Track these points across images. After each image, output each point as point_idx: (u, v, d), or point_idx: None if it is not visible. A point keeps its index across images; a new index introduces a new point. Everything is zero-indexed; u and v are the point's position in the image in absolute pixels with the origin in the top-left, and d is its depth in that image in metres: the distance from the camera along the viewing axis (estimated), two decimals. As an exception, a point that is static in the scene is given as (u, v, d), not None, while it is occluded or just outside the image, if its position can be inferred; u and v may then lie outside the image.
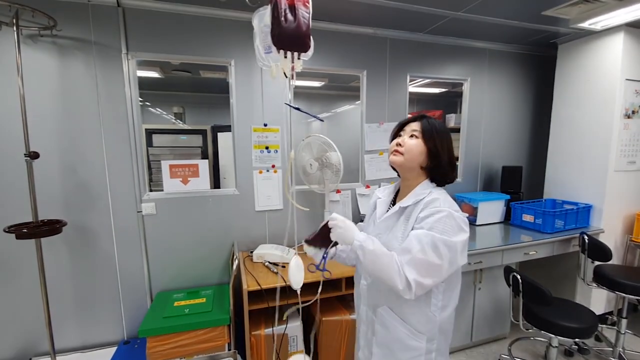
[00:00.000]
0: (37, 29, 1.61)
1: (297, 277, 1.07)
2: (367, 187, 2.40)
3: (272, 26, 0.82)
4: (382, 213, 1.09)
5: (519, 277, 1.74)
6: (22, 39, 1.57)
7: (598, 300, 2.42)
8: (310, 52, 0.89)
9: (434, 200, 0.95)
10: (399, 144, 1.02)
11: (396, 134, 1.07)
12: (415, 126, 1.02)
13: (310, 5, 0.85)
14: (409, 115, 1.10)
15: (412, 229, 0.95)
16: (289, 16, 0.82)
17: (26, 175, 1.51)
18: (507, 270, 1.85)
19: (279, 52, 0.85)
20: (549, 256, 2.21)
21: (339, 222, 0.96)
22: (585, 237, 2.12)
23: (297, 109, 0.94)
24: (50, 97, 1.71)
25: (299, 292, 1.08)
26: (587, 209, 2.38)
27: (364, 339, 1.15)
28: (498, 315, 2.20)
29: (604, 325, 2.45)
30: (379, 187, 1.20)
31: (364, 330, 1.14)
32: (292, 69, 0.89)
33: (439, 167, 1.01)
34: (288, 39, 0.83)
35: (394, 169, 1.07)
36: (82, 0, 1.69)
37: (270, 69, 0.92)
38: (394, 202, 1.10)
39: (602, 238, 2.32)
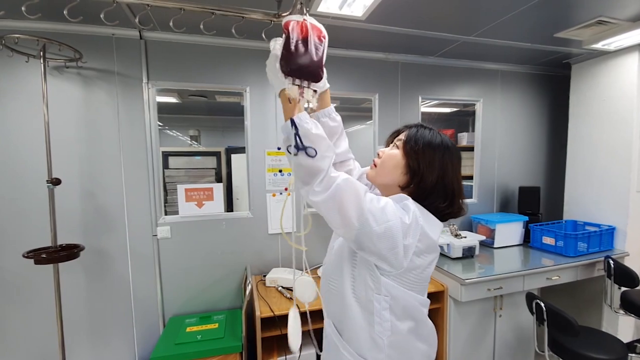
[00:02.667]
0: (63, 61, 1.69)
1: (296, 334, 0.93)
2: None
3: (282, 54, 0.80)
4: None
5: (542, 305, 1.66)
6: (48, 70, 1.64)
7: (626, 327, 2.29)
8: (322, 83, 0.86)
9: (400, 197, 0.80)
10: (378, 154, 0.88)
11: (387, 144, 0.93)
12: (402, 135, 0.86)
13: (326, 40, 0.85)
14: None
15: None
16: (300, 47, 0.80)
17: (45, 201, 1.55)
18: (530, 297, 1.78)
19: (288, 79, 0.82)
20: (572, 281, 2.13)
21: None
22: (611, 262, 2.03)
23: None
24: (73, 125, 1.77)
25: (298, 355, 0.97)
26: (611, 231, 2.30)
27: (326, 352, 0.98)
28: (521, 345, 2.10)
29: (633, 355, 2.31)
30: None
31: (326, 344, 0.98)
32: (301, 94, 0.84)
33: (424, 191, 0.81)
34: (298, 67, 0.80)
35: None
36: (106, 33, 1.77)
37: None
38: None
39: (627, 261, 2.23)
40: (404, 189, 0.84)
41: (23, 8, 0.94)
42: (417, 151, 0.81)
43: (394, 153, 0.85)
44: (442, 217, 0.85)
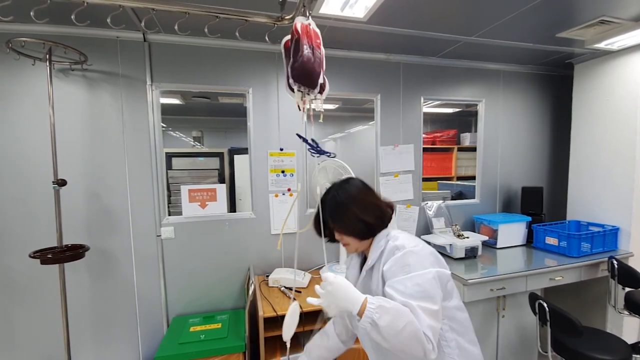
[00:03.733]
0: (68, 64, 1.71)
1: (290, 329, 1.03)
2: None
3: (292, 60, 0.84)
4: (356, 278, 1.08)
5: (545, 305, 1.66)
6: (54, 73, 1.66)
7: (630, 328, 2.28)
8: (326, 92, 0.91)
9: (392, 248, 0.93)
10: (342, 240, 1.05)
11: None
12: (330, 222, 1.02)
13: (321, 47, 0.88)
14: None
15: (384, 284, 0.91)
16: (308, 52, 0.84)
17: (51, 201, 1.57)
18: (533, 297, 1.77)
19: (295, 86, 0.86)
20: (576, 282, 2.12)
21: (330, 280, 0.84)
22: (615, 262, 2.02)
23: (306, 142, 0.96)
24: (78, 127, 1.80)
25: (288, 344, 1.05)
26: (615, 231, 2.28)
27: None
28: (524, 346, 2.09)
29: (637, 356, 2.30)
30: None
31: None
32: (304, 102, 0.90)
33: (367, 232, 1.00)
34: (303, 73, 0.85)
35: None
36: (111, 36, 1.80)
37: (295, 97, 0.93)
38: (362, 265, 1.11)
39: (632, 262, 2.21)
40: (368, 235, 1.01)
41: (32, 13, 0.96)
42: (342, 225, 0.99)
43: (343, 235, 1.02)
44: (385, 226, 1.01)
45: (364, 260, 1.09)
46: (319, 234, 1.01)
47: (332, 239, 1.07)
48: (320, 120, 0.90)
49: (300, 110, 0.89)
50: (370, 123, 2.40)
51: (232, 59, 2.02)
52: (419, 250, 0.90)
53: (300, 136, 0.97)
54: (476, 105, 2.65)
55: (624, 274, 2.01)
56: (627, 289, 2.07)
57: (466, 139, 2.92)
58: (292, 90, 0.87)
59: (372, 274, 0.99)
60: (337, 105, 2.53)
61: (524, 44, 2.19)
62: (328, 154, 0.99)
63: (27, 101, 1.71)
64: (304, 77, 0.83)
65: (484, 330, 1.99)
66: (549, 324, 1.67)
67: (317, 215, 1.02)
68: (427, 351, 0.77)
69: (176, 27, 1.09)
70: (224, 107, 2.55)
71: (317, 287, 0.86)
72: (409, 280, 0.85)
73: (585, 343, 1.67)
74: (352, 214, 0.97)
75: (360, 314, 0.78)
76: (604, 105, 2.38)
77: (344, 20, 1.73)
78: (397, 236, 0.96)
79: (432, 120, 2.92)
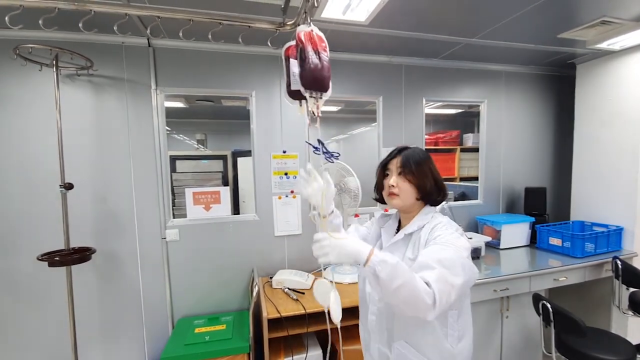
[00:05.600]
0: (74, 69, 1.74)
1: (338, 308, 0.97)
2: (386, 210, 2.38)
3: (300, 68, 0.86)
4: (389, 239, 1.10)
5: (549, 306, 1.66)
6: (60, 78, 1.68)
7: (635, 328, 2.27)
8: (329, 92, 0.93)
9: (437, 225, 0.99)
10: (392, 186, 1.04)
11: (382, 172, 1.11)
12: (397, 163, 1.05)
13: (327, 50, 0.90)
14: (398, 145, 1.13)
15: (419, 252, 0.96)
16: (314, 59, 0.86)
17: (58, 205, 1.59)
18: (536, 298, 1.77)
19: (307, 93, 0.89)
20: (580, 282, 2.12)
21: (324, 242, 0.83)
22: (619, 262, 2.02)
23: (316, 148, 0.98)
24: (84, 131, 1.82)
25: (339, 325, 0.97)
26: (619, 231, 2.28)
27: None
28: (528, 346, 2.09)
29: (643, 357, 2.29)
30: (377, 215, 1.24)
31: None
32: (318, 107, 0.92)
33: (428, 193, 1.04)
34: (313, 80, 0.87)
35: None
36: (116, 42, 1.82)
37: (295, 104, 0.96)
38: (397, 230, 1.13)
39: (636, 262, 2.21)
40: (418, 198, 1.05)
41: (40, 21, 0.98)
42: (415, 172, 1.02)
43: (405, 181, 1.03)
44: (437, 203, 1.08)
45: (398, 227, 1.14)
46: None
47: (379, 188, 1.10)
48: (317, 126, 0.91)
49: (314, 115, 0.91)
50: (373, 125, 2.41)
51: (235, 62, 2.04)
52: (460, 236, 0.96)
53: (315, 146, 0.98)
54: (478, 106, 2.65)
55: (628, 274, 2.01)
56: (632, 289, 2.07)
57: (469, 140, 2.93)
58: (293, 98, 0.89)
59: (410, 241, 1.03)
60: (339, 108, 2.55)
61: (525, 45, 2.19)
62: (332, 158, 1.01)
63: (34, 106, 1.74)
64: (315, 83, 0.85)
65: (488, 330, 1.99)
66: (552, 324, 1.67)
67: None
68: (426, 306, 0.79)
69: (181, 34, 1.11)
70: (227, 110, 2.58)
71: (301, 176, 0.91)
72: (443, 250, 0.89)
73: (589, 343, 1.66)
74: (428, 168, 1.04)
75: (365, 264, 0.82)
76: (606, 105, 2.37)
77: (346, 24, 1.74)
78: (443, 218, 1.03)
79: (434, 121, 2.93)
